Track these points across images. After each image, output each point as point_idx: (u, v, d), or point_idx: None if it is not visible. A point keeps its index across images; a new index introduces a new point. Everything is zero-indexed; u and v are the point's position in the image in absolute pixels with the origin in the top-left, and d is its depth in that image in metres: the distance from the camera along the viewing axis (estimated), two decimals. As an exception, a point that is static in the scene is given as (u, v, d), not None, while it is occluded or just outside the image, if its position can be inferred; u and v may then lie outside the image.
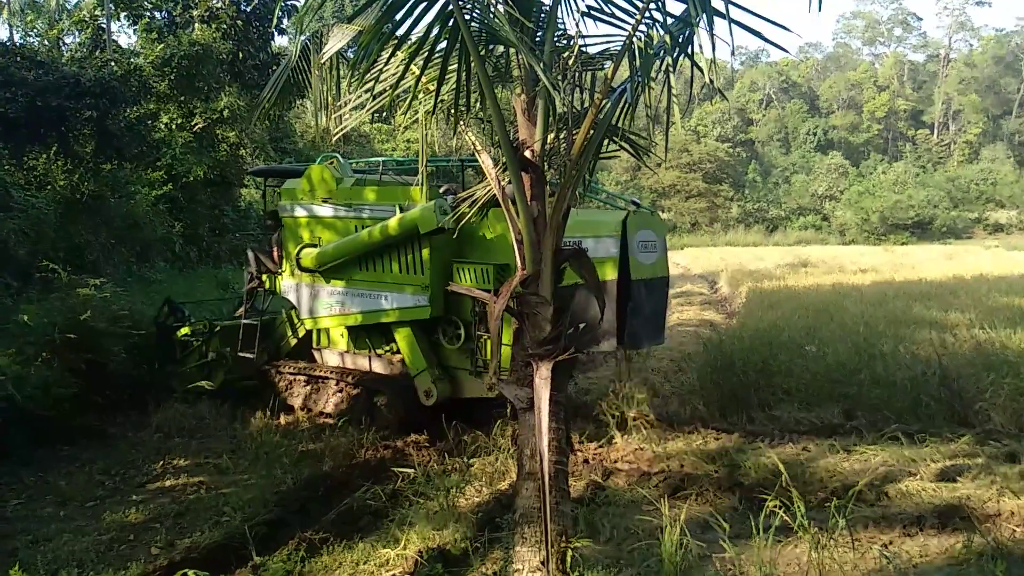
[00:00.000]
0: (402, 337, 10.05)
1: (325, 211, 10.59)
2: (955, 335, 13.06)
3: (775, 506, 5.98)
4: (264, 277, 11.65)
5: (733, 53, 5.31)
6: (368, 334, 10.74)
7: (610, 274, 8.44)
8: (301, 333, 11.62)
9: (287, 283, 11.20)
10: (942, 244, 53.34)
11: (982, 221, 68.32)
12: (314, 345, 11.47)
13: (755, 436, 9.74)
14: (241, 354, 11.30)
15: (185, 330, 11.89)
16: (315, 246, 10.60)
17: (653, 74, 4.59)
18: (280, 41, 26.19)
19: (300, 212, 10.89)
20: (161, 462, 9.11)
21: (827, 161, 77.39)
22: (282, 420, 10.59)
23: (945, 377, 10.76)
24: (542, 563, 4.35)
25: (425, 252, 9.67)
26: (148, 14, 23.29)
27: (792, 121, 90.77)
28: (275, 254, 11.53)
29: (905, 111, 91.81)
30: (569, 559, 4.42)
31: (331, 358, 11.28)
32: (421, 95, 5.28)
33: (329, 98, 5.98)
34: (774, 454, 8.12)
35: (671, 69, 4.68)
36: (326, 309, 10.72)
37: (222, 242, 23.34)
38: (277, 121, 25.70)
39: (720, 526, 6.48)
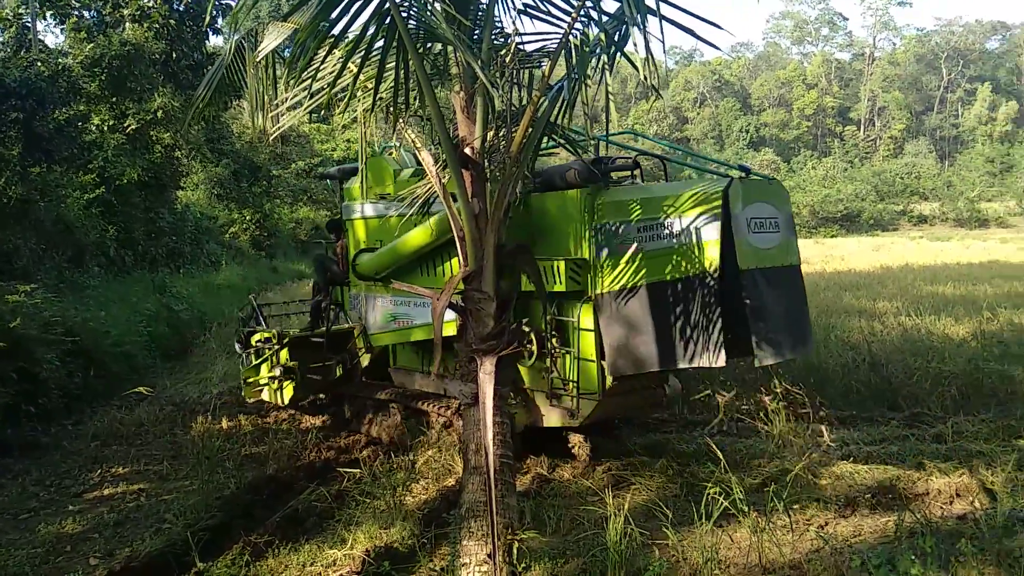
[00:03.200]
0: None
1: (382, 209, 9.29)
2: (883, 323, 13.57)
3: (715, 493, 6.15)
4: (333, 289, 10.69)
5: (666, 52, 5.44)
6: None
7: (708, 264, 6.65)
8: (376, 350, 10.31)
9: (353, 294, 10.13)
10: (870, 236, 55.12)
11: (907, 213, 70.74)
12: (390, 364, 10.23)
13: (695, 425, 9.96)
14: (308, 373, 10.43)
15: (259, 336, 10.88)
16: (373, 250, 9.48)
17: (590, 72, 4.68)
18: (215, 41, 25.67)
19: (357, 213, 9.83)
20: (99, 471, 8.89)
21: (759, 158, 79.19)
22: (224, 424, 10.42)
23: (874, 363, 11.19)
24: (489, 556, 4.40)
25: (447, 264, 8.61)
26: (76, 13, 22.55)
27: (725, 119, 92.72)
28: (340, 262, 10.60)
29: (833, 108, 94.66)
30: (516, 551, 4.47)
31: (403, 379, 10.01)
32: (360, 93, 5.28)
33: (265, 97, 5.89)
34: (712, 441, 8.31)
35: (607, 67, 4.76)
36: (390, 322, 9.56)
37: (158, 246, 22.78)
38: (213, 122, 25.19)
39: (663, 514, 6.66)
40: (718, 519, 6.20)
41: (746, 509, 6.18)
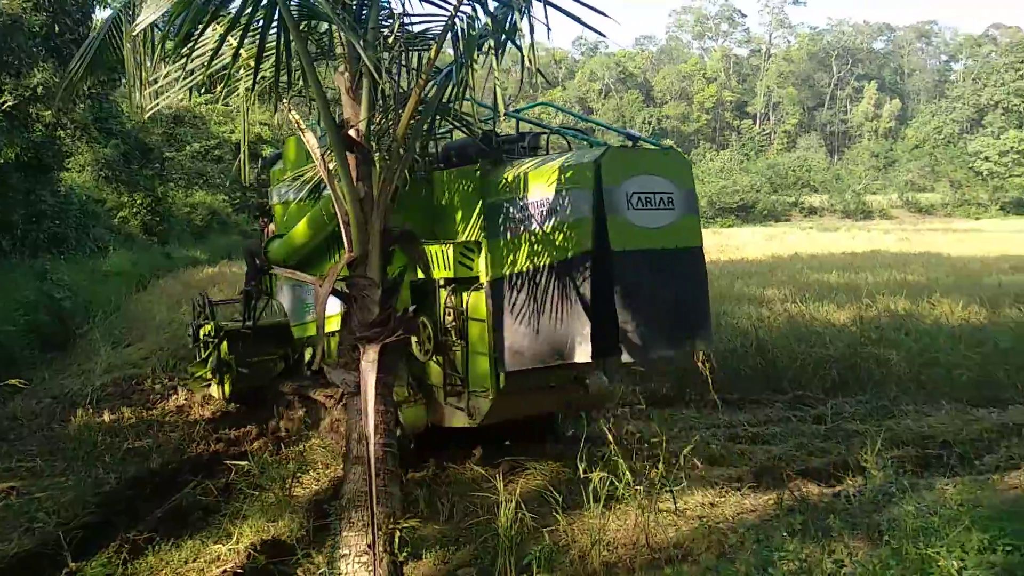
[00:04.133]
0: None
1: (294, 192, 8.47)
2: (771, 309, 14.09)
3: (604, 476, 6.25)
4: (262, 277, 9.89)
5: (549, 37, 5.31)
6: None
7: (580, 245, 5.99)
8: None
9: (279, 284, 9.55)
10: (764, 226, 57.25)
11: (798, 205, 73.80)
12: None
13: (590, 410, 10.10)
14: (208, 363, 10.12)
15: (207, 328, 10.52)
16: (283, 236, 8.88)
17: (480, 62, 4.62)
18: (103, 14, 24.36)
19: (276, 197, 9.28)
20: (-35, 468, 8.34)
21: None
22: (106, 417, 9.94)
23: (761, 348, 11.62)
24: (369, 547, 4.34)
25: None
26: (-58, -22, 21.00)
27: (629, 110, 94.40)
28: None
29: (731, 102, 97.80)
30: (398, 541, 4.43)
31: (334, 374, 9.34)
32: (242, 72, 5.09)
33: (144, 73, 5.60)
34: (606, 427, 8.45)
35: (496, 53, 4.71)
36: (307, 313, 8.90)
37: (39, 230, 21.51)
38: (101, 100, 23.91)
39: (554, 498, 6.73)
40: (608, 502, 6.32)
41: (634, 491, 6.33)
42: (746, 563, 5.48)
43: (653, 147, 7.00)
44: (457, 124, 6.36)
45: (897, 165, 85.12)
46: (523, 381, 6.82)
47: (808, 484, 7.65)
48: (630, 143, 6.58)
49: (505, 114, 6.55)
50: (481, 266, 6.81)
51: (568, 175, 6.16)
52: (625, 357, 6.02)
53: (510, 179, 6.68)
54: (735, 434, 9.24)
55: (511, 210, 6.60)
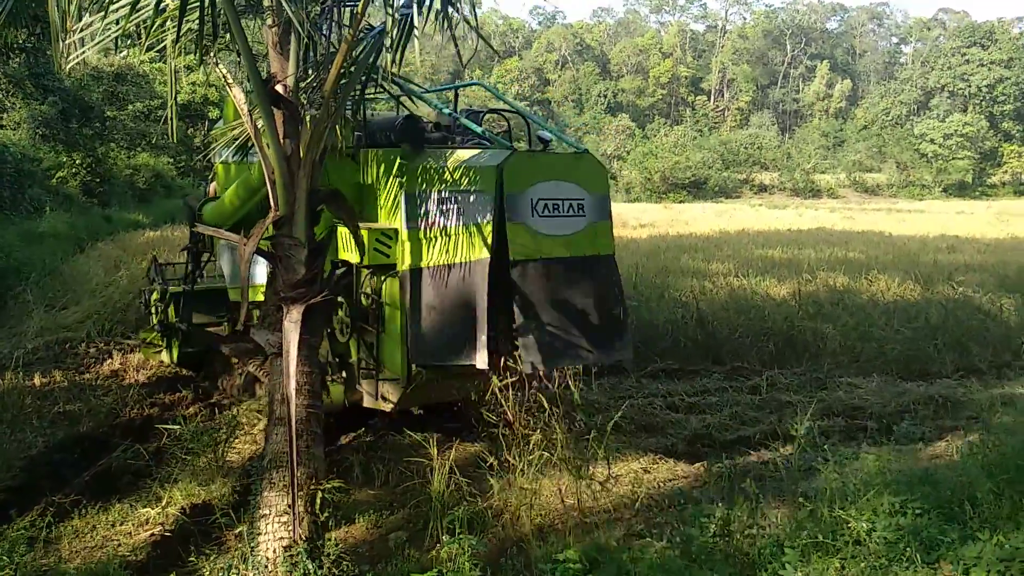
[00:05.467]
0: None
1: (228, 154, 8.01)
2: (714, 283, 14.29)
3: (537, 441, 6.30)
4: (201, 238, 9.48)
5: (496, 3, 5.13)
6: None
7: (480, 249, 5.88)
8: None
9: (220, 245, 9.15)
10: (715, 203, 57.84)
11: (749, 182, 74.74)
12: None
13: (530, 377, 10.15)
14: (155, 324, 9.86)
15: (156, 294, 10.12)
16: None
17: (429, 22, 4.51)
18: (34, -37, 23.33)
19: (217, 156, 8.79)
20: None
21: (616, 123, 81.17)
22: (37, 380, 9.69)
23: (702, 320, 11.80)
24: (289, 507, 4.32)
25: None
26: None
27: (585, 83, 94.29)
28: None
29: (686, 78, 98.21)
30: (319, 501, 4.41)
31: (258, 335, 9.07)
32: (169, 24, 4.92)
33: (67, 24, 5.37)
34: (543, 394, 8.51)
35: (437, 16, 4.62)
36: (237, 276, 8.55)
37: (-32, 189, 20.81)
38: (36, 55, 23.01)
39: (488, 464, 6.77)
40: (542, 467, 6.38)
41: (566, 456, 6.40)
42: (671, 527, 5.62)
43: (571, 148, 6.85)
44: (387, 90, 6.23)
45: (846, 145, 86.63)
46: (435, 371, 6.64)
47: (740, 452, 7.84)
48: (541, 145, 6.43)
49: (433, 90, 6.25)
50: (398, 254, 6.54)
51: (472, 176, 6.04)
52: (524, 368, 5.93)
53: (426, 169, 6.49)
54: (672, 403, 9.39)
55: (426, 202, 6.42)
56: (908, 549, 4.30)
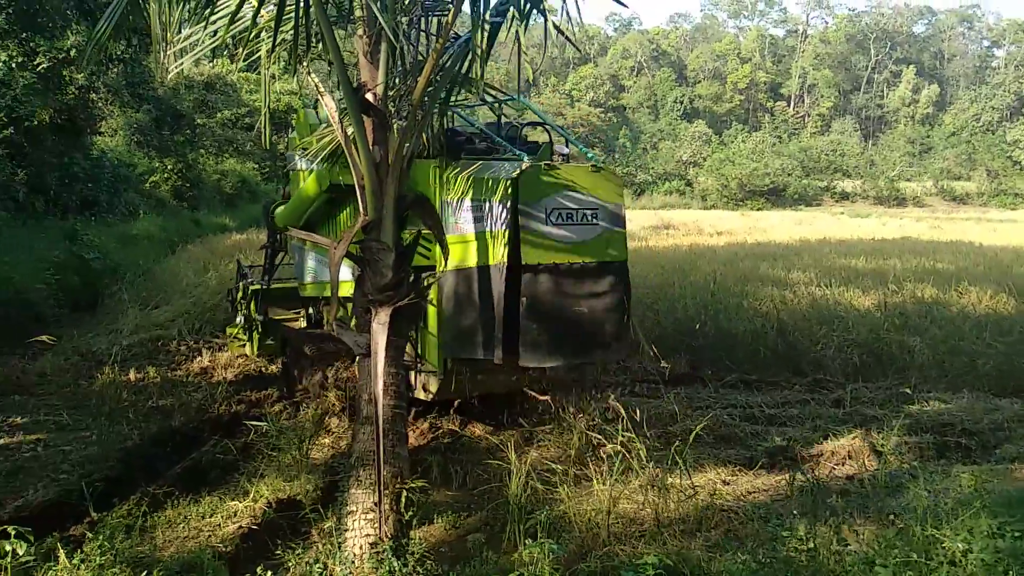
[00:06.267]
0: None
1: (300, 162, 8.95)
2: (795, 292, 13.97)
3: (616, 450, 6.29)
4: (279, 238, 10.46)
5: (579, 11, 5.17)
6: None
7: (499, 254, 6.34)
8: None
9: (293, 244, 10.01)
10: (794, 210, 56.52)
11: (830, 189, 72.69)
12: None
13: (607, 386, 10.12)
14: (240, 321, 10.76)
15: (240, 291, 11.06)
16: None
17: (508, 30, 4.58)
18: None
19: (291, 164, 9.65)
20: (-6, 421, 8.56)
21: (692, 129, 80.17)
22: (132, 376, 10.15)
23: (783, 330, 11.55)
24: (375, 504, 4.41)
25: (346, 213, 8.22)
26: (-21, -60, 21.16)
27: (661, 89, 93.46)
28: None
29: (765, 83, 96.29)
30: (404, 500, 4.50)
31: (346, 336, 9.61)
32: (264, 35, 5.11)
33: (168, 35, 5.63)
34: (622, 402, 8.48)
35: (521, 22, 4.68)
36: (309, 275, 9.40)
37: (72, 192, 21.82)
38: (133, 65, 24.08)
39: (566, 470, 6.79)
40: (620, 476, 6.36)
41: (646, 466, 6.37)
42: (753, 540, 5.52)
43: (592, 164, 7.02)
44: (476, 96, 6.35)
45: (933, 152, 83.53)
46: (472, 364, 6.98)
47: (822, 466, 7.64)
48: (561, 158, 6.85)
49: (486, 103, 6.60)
50: (437, 256, 6.85)
51: (492, 187, 6.44)
52: (523, 361, 6.28)
53: (454, 180, 6.90)
54: (751, 415, 9.22)
55: (458, 210, 6.84)
56: (1009, 572, 4.12)
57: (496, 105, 7.37)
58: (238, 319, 10.96)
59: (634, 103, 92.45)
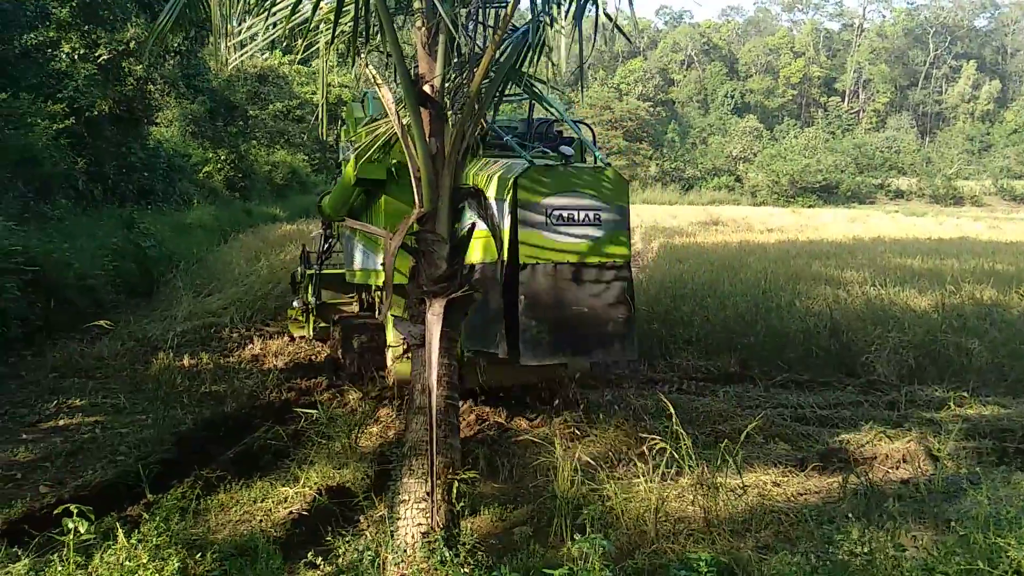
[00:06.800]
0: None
1: (349, 154, 9.02)
2: (848, 291, 13.69)
3: (665, 446, 6.23)
4: (333, 225, 11.18)
5: (631, 4, 5.11)
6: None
7: (499, 251, 6.39)
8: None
9: (341, 233, 10.56)
10: (847, 208, 55.45)
11: (885, 187, 71.09)
12: None
13: (655, 383, 10.06)
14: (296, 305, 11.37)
15: (300, 276, 11.88)
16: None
17: (561, 23, 4.57)
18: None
19: (342, 155, 9.98)
20: (55, 402, 8.82)
21: (742, 124, 79.05)
22: (186, 361, 10.37)
23: (836, 330, 11.34)
24: (427, 494, 4.44)
25: (378, 204, 8.37)
26: (44, -65, 21.74)
27: (711, 83, 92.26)
28: None
29: (819, 78, 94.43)
30: (455, 491, 4.52)
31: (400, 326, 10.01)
32: (322, 26, 5.16)
33: (228, 27, 5.72)
34: (670, 399, 8.41)
35: (579, 14, 4.66)
36: (356, 263, 9.77)
37: (129, 181, 22.37)
38: (189, 57, 24.57)
39: (613, 465, 6.75)
40: (668, 473, 6.32)
41: (694, 464, 6.30)
42: (805, 542, 5.43)
43: (599, 164, 7.15)
44: (526, 90, 6.34)
45: (993, 150, 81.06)
46: (482, 356, 7.09)
47: (876, 470, 7.48)
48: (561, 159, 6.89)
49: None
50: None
51: (495, 185, 6.60)
52: (523, 360, 6.40)
53: (472, 176, 7.06)
54: (802, 415, 9.06)
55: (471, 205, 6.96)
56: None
57: (541, 99, 7.35)
58: (295, 302, 11.59)
59: (683, 97, 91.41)
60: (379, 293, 9.83)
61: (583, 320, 6.52)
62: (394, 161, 7.45)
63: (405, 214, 6.30)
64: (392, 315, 5.21)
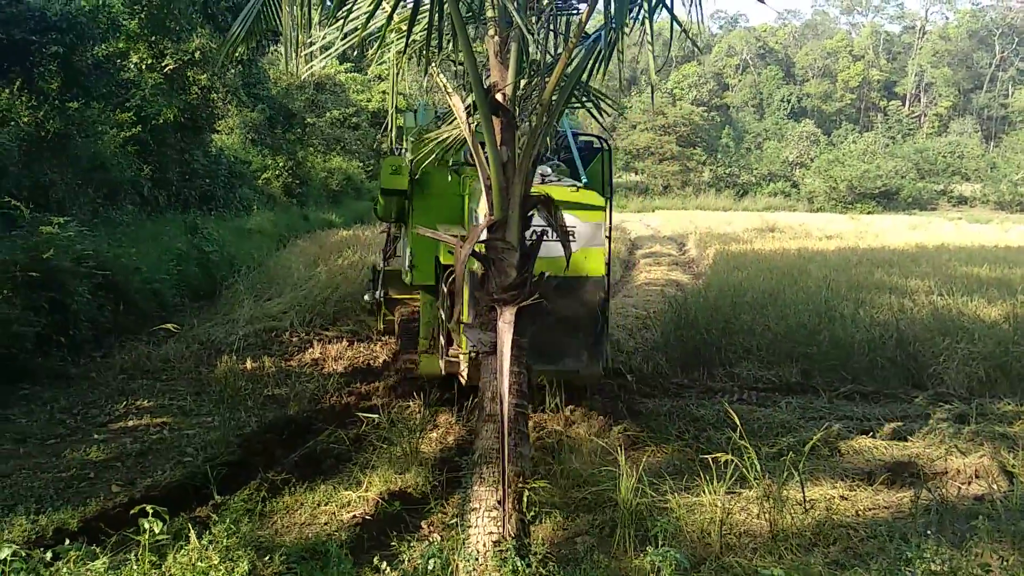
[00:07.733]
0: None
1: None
2: (914, 300, 13.34)
3: (729, 458, 6.14)
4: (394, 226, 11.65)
5: (710, 16, 5.12)
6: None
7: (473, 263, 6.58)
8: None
9: (397, 234, 11.12)
10: (907, 215, 54.02)
11: (947, 193, 69.10)
12: None
13: (715, 392, 9.92)
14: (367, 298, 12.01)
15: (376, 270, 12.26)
16: None
17: (630, 27, 4.56)
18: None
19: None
20: (124, 402, 9.05)
21: (799, 129, 77.65)
22: (248, 365, 10.55)
23: (902, 340, 11.04)
24: (499, 502, 4.44)
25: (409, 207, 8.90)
26: (116, -50, 22.45)
27: (767, 87, 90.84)
28: None
29: (878, 81, 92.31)
30: (526, 499, 4.51)
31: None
32: (393, 35, 5.21)
33: (300, 38, 5.83)
34: (731, 409, 8.29)
35: (648, 18, 4.63)
36: (404, 262, 9.95)
37: (192, 187, 22.94)
38: (250, 66, 25.14)
39: (676, 476, 6.68)
40: (732, 485, 6.22)
41: (760, 477, 6.19)
42: (878, 559, 5.29)
43: (578, 184, 7.36)
44: (593, 100, 6.33)
45: (1062, 155, 78.27)
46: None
47: (948, 485, 7.25)
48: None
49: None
50: None
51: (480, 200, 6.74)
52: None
53: (472, 190, 7.38)
54: (869, 428, 8.85)
55: (472, 217, 7.22)
56: None
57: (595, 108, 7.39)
58: (366, 296, 12.20)
59: (738, 102, 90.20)
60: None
61: (552, 332, 6.79)
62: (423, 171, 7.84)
63: (428, 223, 7.47)
64: (461, 323, 5.24)
